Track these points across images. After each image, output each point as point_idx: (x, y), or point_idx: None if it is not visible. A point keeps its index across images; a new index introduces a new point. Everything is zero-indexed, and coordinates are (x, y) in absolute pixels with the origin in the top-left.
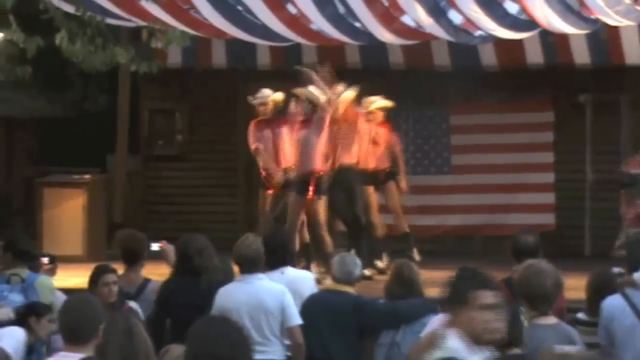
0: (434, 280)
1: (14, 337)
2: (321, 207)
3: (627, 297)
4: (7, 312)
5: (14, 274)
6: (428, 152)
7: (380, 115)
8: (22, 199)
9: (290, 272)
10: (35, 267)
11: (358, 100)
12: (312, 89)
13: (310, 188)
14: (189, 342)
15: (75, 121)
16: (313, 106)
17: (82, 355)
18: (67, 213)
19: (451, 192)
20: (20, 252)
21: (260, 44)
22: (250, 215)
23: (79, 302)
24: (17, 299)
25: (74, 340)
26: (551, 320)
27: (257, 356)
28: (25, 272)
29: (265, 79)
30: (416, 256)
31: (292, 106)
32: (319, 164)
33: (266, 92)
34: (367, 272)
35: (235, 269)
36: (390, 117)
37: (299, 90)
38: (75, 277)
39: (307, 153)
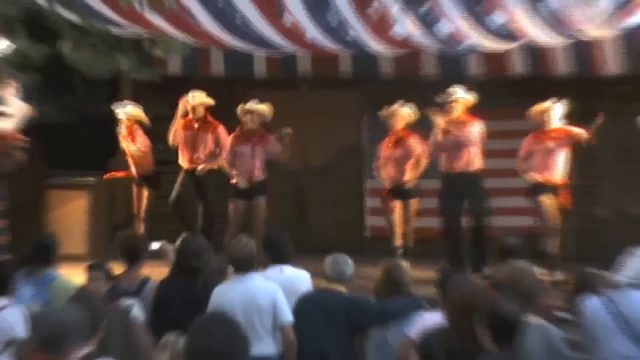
0: (424, 280)
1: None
2: None
3: (607, 297)
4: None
5: (36, 269)
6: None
7: None
8: (29, 200)
9: (288, 270)
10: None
11: None
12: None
13: None
14: (189, 338)
15: (79, 126)
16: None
17: (85, 351)
18: (71, 214)
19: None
20: (41, 251)
21: (257, 53)
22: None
23: (85, 300)
24: (27, 292)
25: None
26: (534, 319)
27: (251, 351)
28: (45, 271)
29: (262, 87)
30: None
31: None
32: None
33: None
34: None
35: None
36: (380, 125)
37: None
38: (78, 275)
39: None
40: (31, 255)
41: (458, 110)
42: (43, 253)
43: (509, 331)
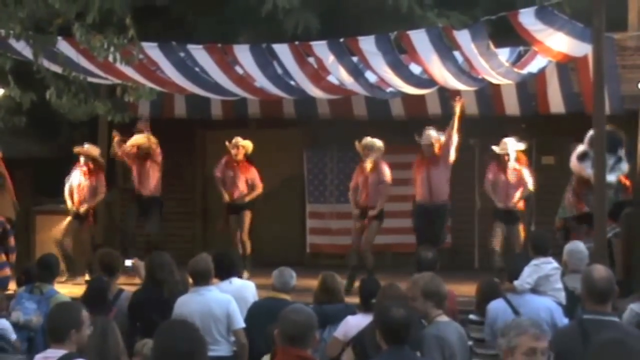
0: (353, 289)
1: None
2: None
3: (507, 301)
4: (18, 316)
5: (37, 287)
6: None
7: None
8: (20, 224)
9: (236, 281)
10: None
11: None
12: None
13: None
14: (155, 340)
15: (63, 161)
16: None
17: (64, 352)
18: (56, 236)
19: None
20: (45, 269)
21: (214, 98)
22: (204, 236)
23: (62, 309)
24: (31, 306)
25: (57, 340)
26: (446, 318)
27: (209, 354)
28: (47, 287)
29: (218, 127)
30: None
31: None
32: None
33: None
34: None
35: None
36: (318, 158)
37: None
38: (62, 288)
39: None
40: (37, 273)
41: None
42: (47, 271)
43: (396, 333)
